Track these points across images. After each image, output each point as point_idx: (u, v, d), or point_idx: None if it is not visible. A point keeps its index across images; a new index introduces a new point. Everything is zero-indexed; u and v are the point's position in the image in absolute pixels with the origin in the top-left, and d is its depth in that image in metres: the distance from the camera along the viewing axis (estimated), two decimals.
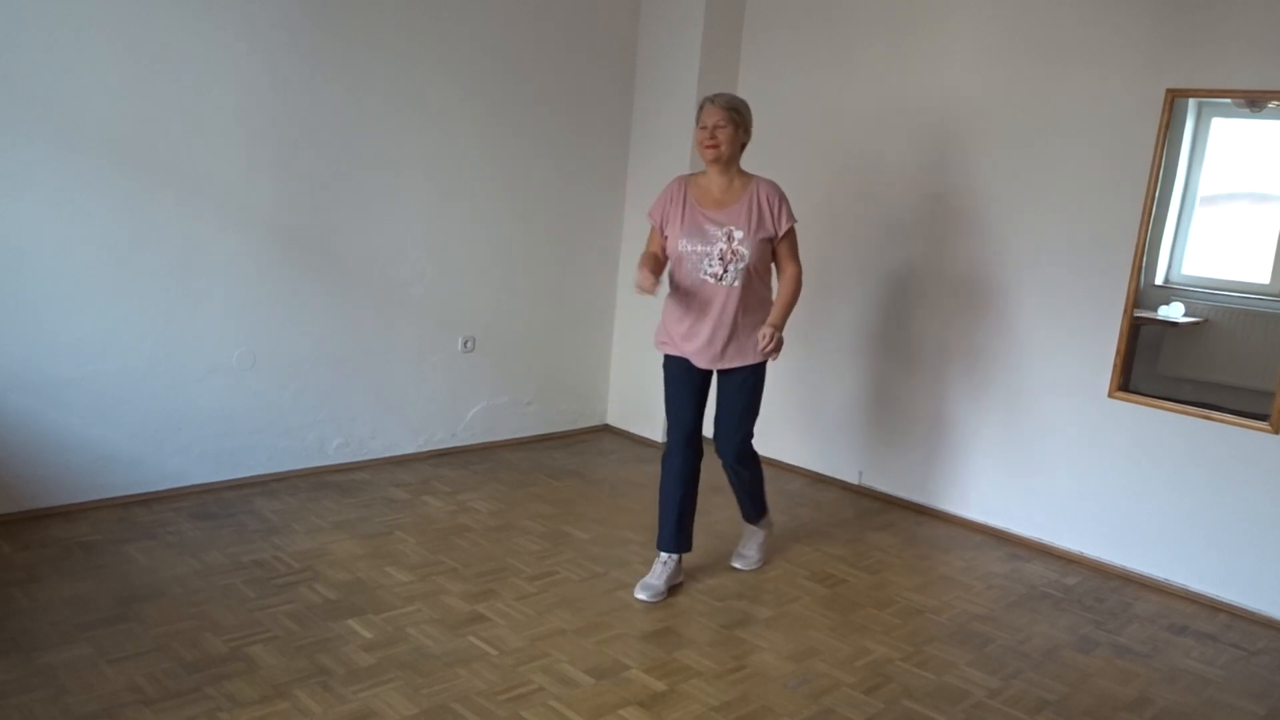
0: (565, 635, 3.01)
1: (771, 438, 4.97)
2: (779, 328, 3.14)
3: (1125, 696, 2.95)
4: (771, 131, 4.85)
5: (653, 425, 5.12)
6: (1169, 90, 3.59)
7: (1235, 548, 3.59)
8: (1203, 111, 3.63)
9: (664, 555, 3.39)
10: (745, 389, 3.33)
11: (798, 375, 4.82)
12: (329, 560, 3.39)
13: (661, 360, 3.39)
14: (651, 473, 4.67)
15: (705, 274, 3.22)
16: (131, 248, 3.56)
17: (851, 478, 4.68)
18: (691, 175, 3.37)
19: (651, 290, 3.11)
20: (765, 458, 4.96)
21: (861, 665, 2.99)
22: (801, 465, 4.86)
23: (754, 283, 3.25)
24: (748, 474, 3.52)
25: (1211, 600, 3.65)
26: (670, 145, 4.90)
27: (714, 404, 3.39)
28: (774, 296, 3.31)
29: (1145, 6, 3.65)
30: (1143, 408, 3.75)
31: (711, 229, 3.22)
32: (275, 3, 3.73)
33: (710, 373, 3.35)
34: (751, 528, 3.71)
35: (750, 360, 3.27)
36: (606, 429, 5.36)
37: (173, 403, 3.76)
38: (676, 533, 3.37)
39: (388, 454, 4.46)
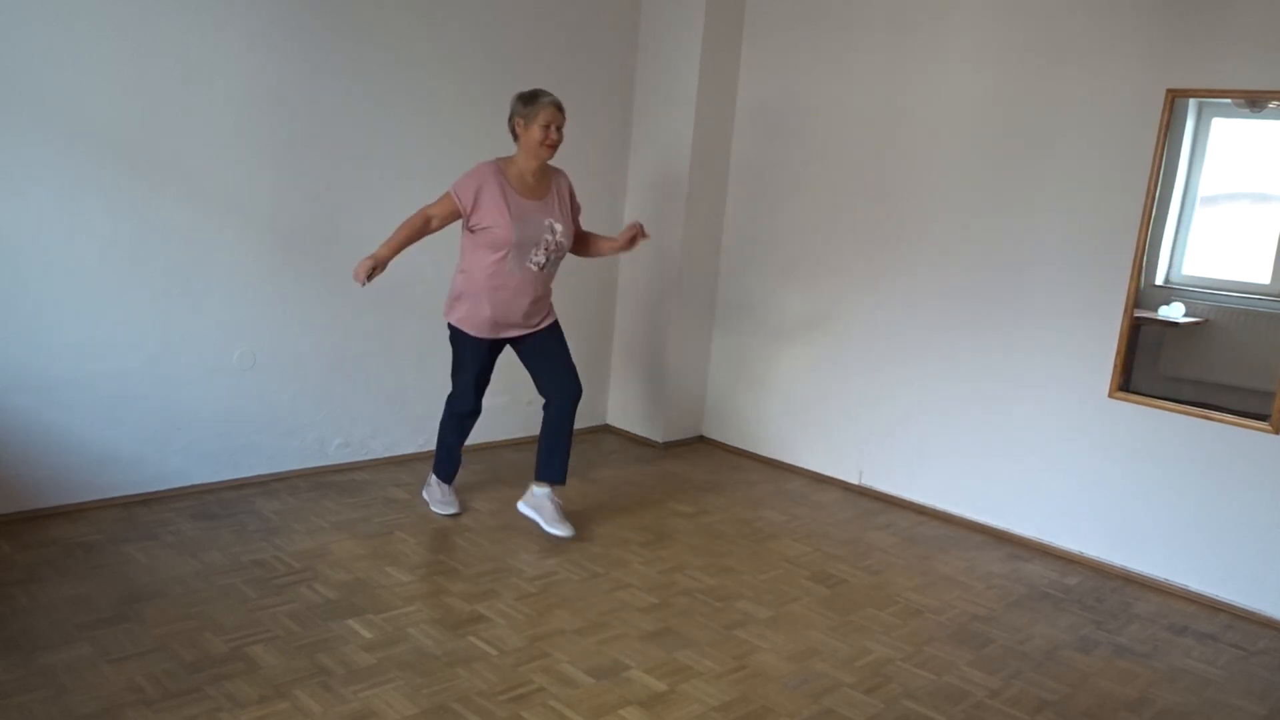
0: (565, 635, 3.01)
1: (772, 437, 4.98)
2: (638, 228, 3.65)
3: (1125, 696, 2.95)
4: (771, 132, 4.86)
5: (653, 425, 5.12)
6: (1169, 90, 3.59)
7: (1235, 548, 3.59)
8: (1203, 111, 3.63)
9: (451, 484, 3.94)
10: (558, 336, 3.72)
11: (797, 375, 4.83)
12: (329, 560, 3.39)
13: (454, 333, 3.62)
14: (653, 473, 4.67)
15: (531, 263, 3.52)
16: (132, 247, 3.56)
17: (852, 478, 4.68)
18: (503, 162, 3.50)
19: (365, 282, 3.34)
20: (767, 458, 5.02)
21: (861, 665, 2.99)
22: (801, 465, 4.86)
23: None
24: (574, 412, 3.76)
25: (1211, 600, 3.65)
26: (671, 146, 4.90)
27: (515, 363, 3.77)
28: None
29: (1146, 6, 3.65)
30: (1143, 408, 3.75)
31: (538, 221, 3.48)
32: (276, 2, 3.74)
33: (500, 343, 3.67)
34: (550, 489, 3.77)
35: (552, 316, 3.71)
36: (607, 429, 5.35)
37: (173, 403, 3.77)
38: (456, 465, 3.92)
39: (388, 454, 4.46)
